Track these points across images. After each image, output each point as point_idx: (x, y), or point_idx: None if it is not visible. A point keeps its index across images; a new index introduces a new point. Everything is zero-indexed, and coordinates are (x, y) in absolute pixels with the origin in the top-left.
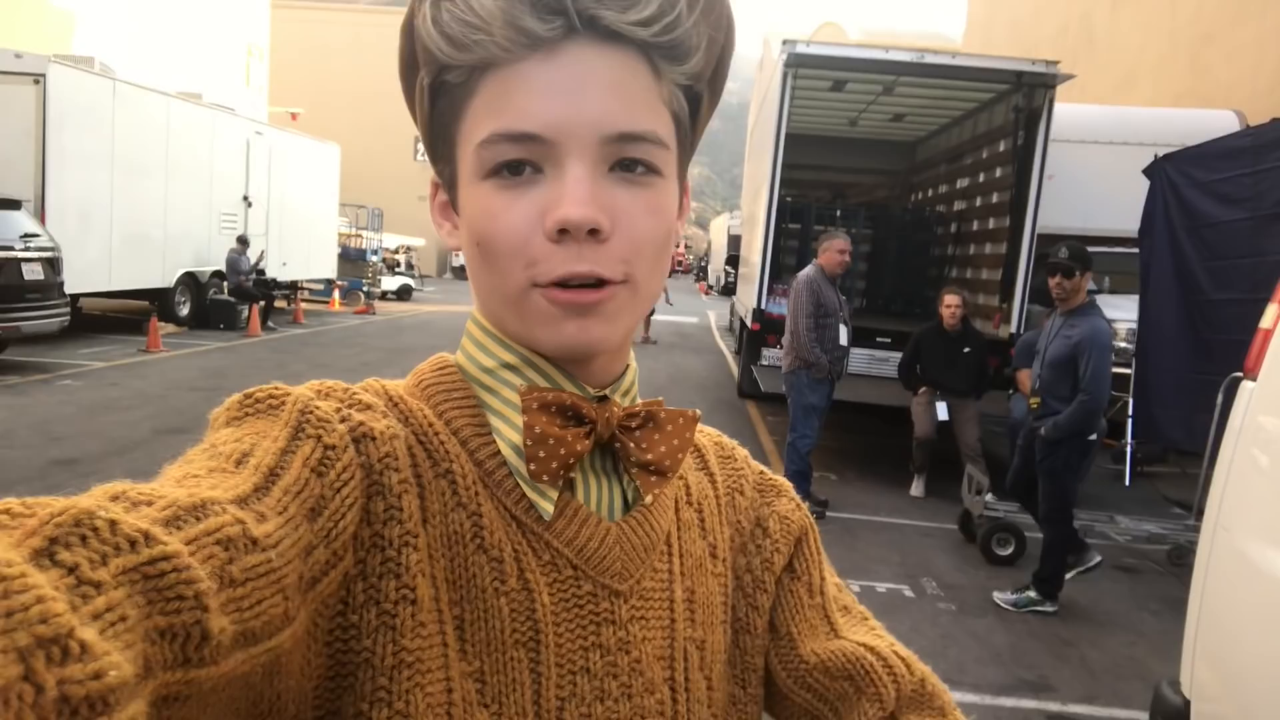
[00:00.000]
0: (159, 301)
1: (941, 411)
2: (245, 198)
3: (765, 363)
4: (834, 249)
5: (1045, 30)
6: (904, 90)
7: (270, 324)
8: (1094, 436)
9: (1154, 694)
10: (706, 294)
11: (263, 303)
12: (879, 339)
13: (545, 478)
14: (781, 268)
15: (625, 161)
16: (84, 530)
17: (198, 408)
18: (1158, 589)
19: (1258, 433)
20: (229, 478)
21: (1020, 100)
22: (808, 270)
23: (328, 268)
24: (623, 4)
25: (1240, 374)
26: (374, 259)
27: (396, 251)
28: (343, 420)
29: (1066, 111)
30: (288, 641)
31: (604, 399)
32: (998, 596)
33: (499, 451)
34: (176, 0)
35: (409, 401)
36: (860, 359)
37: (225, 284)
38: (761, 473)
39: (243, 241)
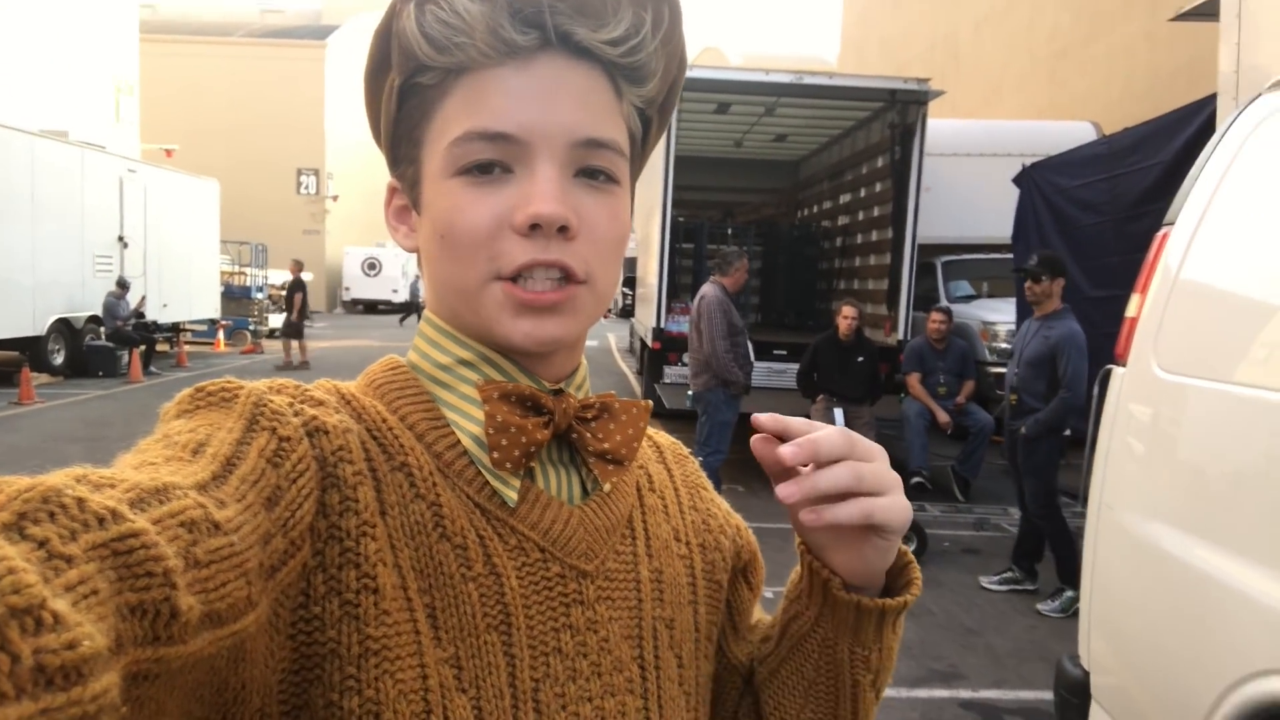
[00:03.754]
0: (30, 351)
1: (838, 418)
2: (120, 238)
3: (668, 380)
4: (743, 268)
5: (914, 49)
6: (785, 111)
7: (153, 369)
8: (1068, 432)
9: (1056, 669)
10: (605, 317)
11: (143, 347)
12: (775, 351)
13: (509, 465)
14: (679, 287)
15: (589, 169)
16: (52, 507)
17: (79, 460)
18: (1055, 574)
19: (1129, 420)
20: (186, 465)
21: (895, 117)
22: (713, 290)
23: (211, 307)
24: (595, 23)
25: (1111, 367)
26: (259, 296)
27: (282, 287)
28: (296, 414)
29: (938, 126)
30: (251, 626)
31: (559, 392)
32: (1042, 608)
33: (458, 443)
34: (38, 35)
35: (361, 399)
36: (759, 371)
37: (102, 329)
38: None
39: (122, 285)
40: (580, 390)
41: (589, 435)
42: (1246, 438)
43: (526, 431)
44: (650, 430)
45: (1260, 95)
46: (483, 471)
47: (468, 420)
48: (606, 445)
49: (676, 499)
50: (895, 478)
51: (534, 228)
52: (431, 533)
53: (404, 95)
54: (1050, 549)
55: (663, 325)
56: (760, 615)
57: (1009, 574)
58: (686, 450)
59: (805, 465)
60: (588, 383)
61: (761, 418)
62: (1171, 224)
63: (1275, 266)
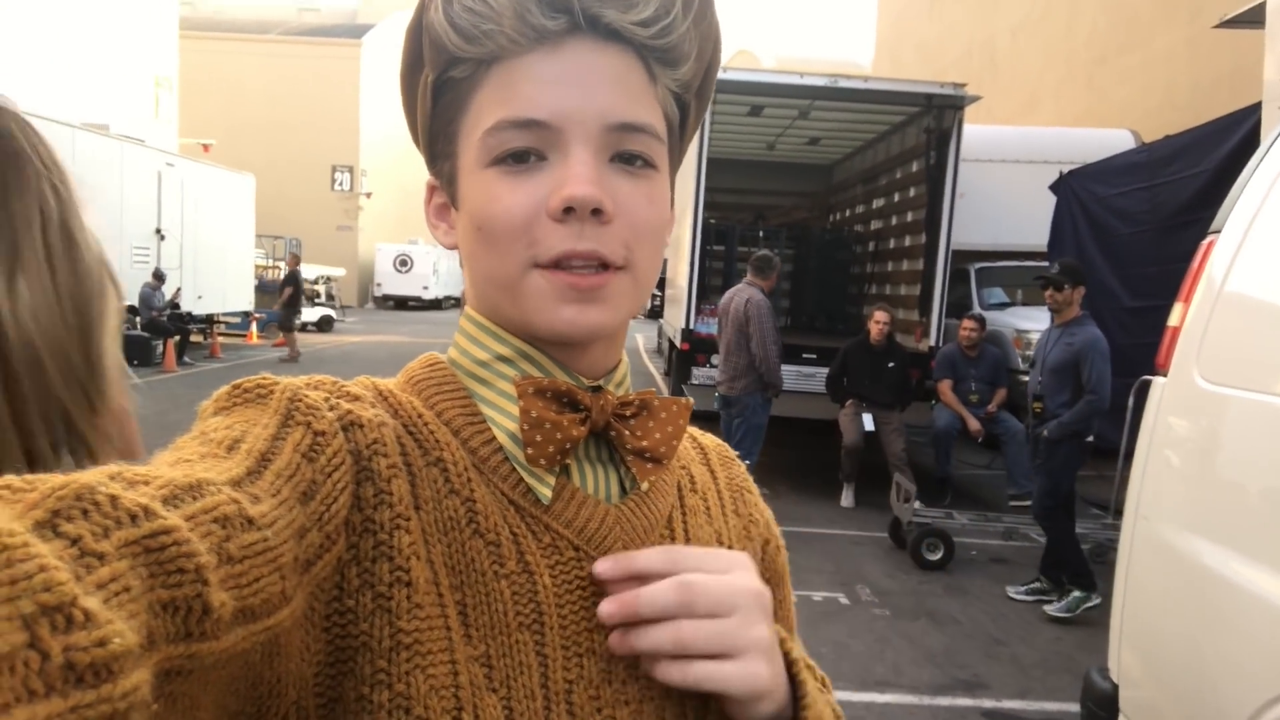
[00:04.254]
0: None
1: (867, 423)
2: (158, 230)
3: (695, 382)
4: (778, 271)
5: (950, 55)
6: (819, 114)
7: (186, 359)
8: (1090, 438)
9: (1084, 681)
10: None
11: (178, 337)
12: (805, 355)
13: (543, 461)
14: (708, 289)
15: (625, 154)
16: (85, 504)
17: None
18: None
19: (1169, 430)
20: (221, 462)
21: (931, 122)
22: (758, 294)
23: (245, 300)
24: (624, 4)
25: (1149, 378)
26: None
27: (316, 282)
28: (331, 408)
29: (974, 132)
30: (286, 621)
31: (598, 389)
32: (1050, 609)
33: (493, 439)
34: (80, 31)
35: (398, 395)
36: (789, 374)
37: (138, 319)
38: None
39: (158, 277)
40: (620, 387)
41: (627, 433)
42: None
43: (562, 428)
44: (694, 431)
45: None
46: (517, 468)
47: (504, 416)
48: (645, 443)
49: (720, 502)
50: (753, 638)
51: (568, 211)
52: (465, 528)
53: (438, 91)
54: (1058, 548)
55: (692, 326)
56: None
57: (1036, 584)
58: (733, 453)
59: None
60: (629, 380)
61: (602, 567)
62: (1217, 232)
63: None
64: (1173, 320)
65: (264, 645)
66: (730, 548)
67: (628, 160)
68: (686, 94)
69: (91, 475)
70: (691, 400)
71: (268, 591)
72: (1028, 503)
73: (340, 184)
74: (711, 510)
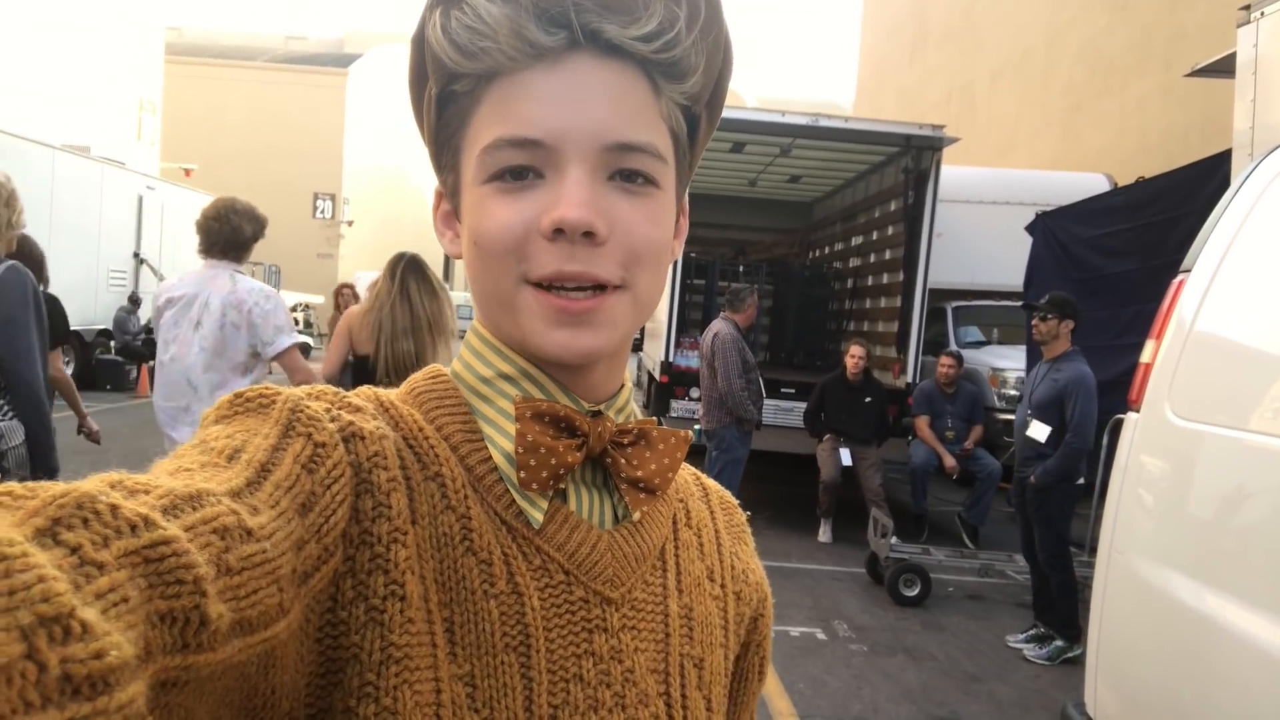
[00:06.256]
0: None
1: (845, 458)
2: (137, 254)
3: (674, 414)
4: (754, 304)
5: (930, 99)
6: (800, 152)
7: None
8: (1081, 480)
9: (1060, 717)
10: None
11: (152, 362)
12: (783, 390)
13: (535, 486)
14: (688, 322)
15: (625, 171)
16: (86, 513)
17: (84, 473)
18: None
19: (1141, 465)
20: (221, 472)
21: (909, 162)
22: (727, 328)
23: None
24: (625, 19)
25: (1122, 416)
26: None
27: (295, 309)
28: (332, 420)
29: (952, 173)
30: (283, 633)
31: (598, 414)
32: (1029, 653)
33: (490, 458)
34: (66, 53)
35: (399, 407)
36: (767, 409)
37: (113, 343)
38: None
39: (134, 301)
40: (621, 414)
41: (623, 461)
42: (1260, 486)
43: (557, 454)
44: (700, 474)
45: (1276, 149)
46: (511, 489)
47: (502, 436)
48: (640, 473)
49: (715, 540)
50: None
51: (558, 233)
52: (458, 546)
53: (442, 104)
54: (1055, 594)
55: (671, 359)
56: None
57: (1035, 630)
58: (735, 502)
59: None
60: (630, 406)
61: None
62: (1188, 271)
63: None
64: (1145, 357)
65: (260, 657)
66: (723, 586)
67: (628, 178)
68: (696, 106)
69: (92, 484)
70: (690, 433)
71: (265, 604)
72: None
73: (322, 212)
74: (705, 547)
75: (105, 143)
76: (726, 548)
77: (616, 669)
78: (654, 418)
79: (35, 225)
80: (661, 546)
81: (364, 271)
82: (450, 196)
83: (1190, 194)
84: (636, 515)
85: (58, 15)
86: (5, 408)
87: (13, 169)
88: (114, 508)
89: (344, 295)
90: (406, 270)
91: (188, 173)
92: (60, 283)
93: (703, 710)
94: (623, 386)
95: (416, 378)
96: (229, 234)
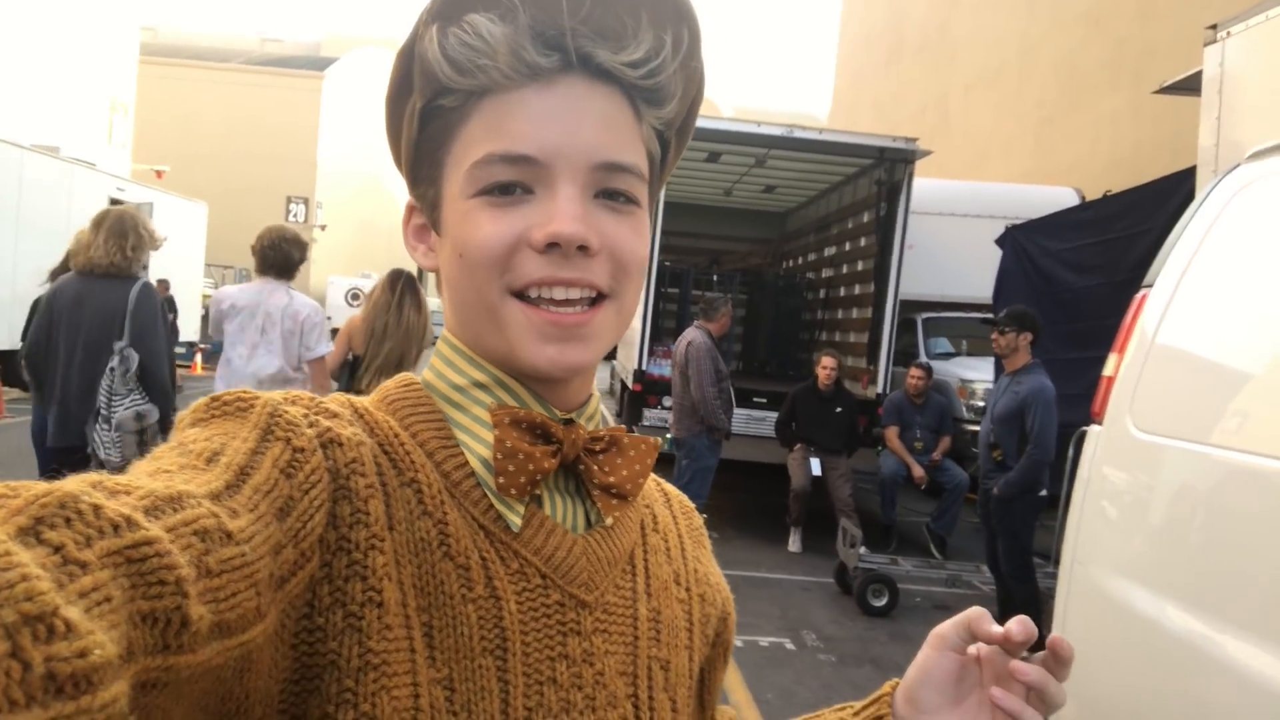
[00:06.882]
0: (3, 365)
1: (815, 467)
2: None
3: (646, 423)
4: (728, 314)
5: (905, 111)
6: (775, 163)
7: None
8: (1044, 492)
9: None
10: None
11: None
12: (755, 399)
13: (514, 491)
14: (662, 330)
15: (609, 191)
16: (69, 513)
17: (36, 480)
18: None
19: (1104, 477)
20: (200, 474)
21: (882, 174)
22: (700, 336)
23: (191, 330)
24: (616, 45)
25: (1086, 429)
26: None
27: None
28: (310, 425)
29: (925, 186)
30: (259, 637)
31: (570, 422)
32: None
33: (466, 464)
34: (35, 50)
35: (375, 414)
36: (739, 418)
37: None
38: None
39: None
40: (591, 422)
41: (596, 468)
42: (1220, 499)
43: (534, 459)
44: (658, 478)
45: (1238, 165)
46: (488, 494)
47: (477, 442)
48: (612, 479)
49: (680, 544)
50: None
51: (552, 246)
52: (436, 551)
53: (426, 118)
54: (1019, 606)
55: (644, 368)
56: (723, 710)
57: None
58: (692, 504)
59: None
60: (599, 414)
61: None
62: (1150, 286)
63: (1250, 331)
64: (1107, 370)
65: (237, 661)
66: (688, 590)
67: (611, 197)
68: (669, 131)
69: (74, 484)
70: (660, 440)
71: (244, 607)
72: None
73: (295, 215)
74: (671, 551)
75: (76, 143)
76: (689, 552)
77: (588, 671)
78: (622, 425)
79: (2, 226)
80: (631, 551)
81: (337, 276)
82: (429, 210)
83: (1155, 210)
84: (609, 520)
85: (29, 13)
86: (143, 394)
87: None
88: (96, 508)
89: None
90: (405, 287)
91: (159, 174)
92: (28, 285)
93: (669, 711)
94: (591, 396)
95: (388, 385)
96: (281, 259)
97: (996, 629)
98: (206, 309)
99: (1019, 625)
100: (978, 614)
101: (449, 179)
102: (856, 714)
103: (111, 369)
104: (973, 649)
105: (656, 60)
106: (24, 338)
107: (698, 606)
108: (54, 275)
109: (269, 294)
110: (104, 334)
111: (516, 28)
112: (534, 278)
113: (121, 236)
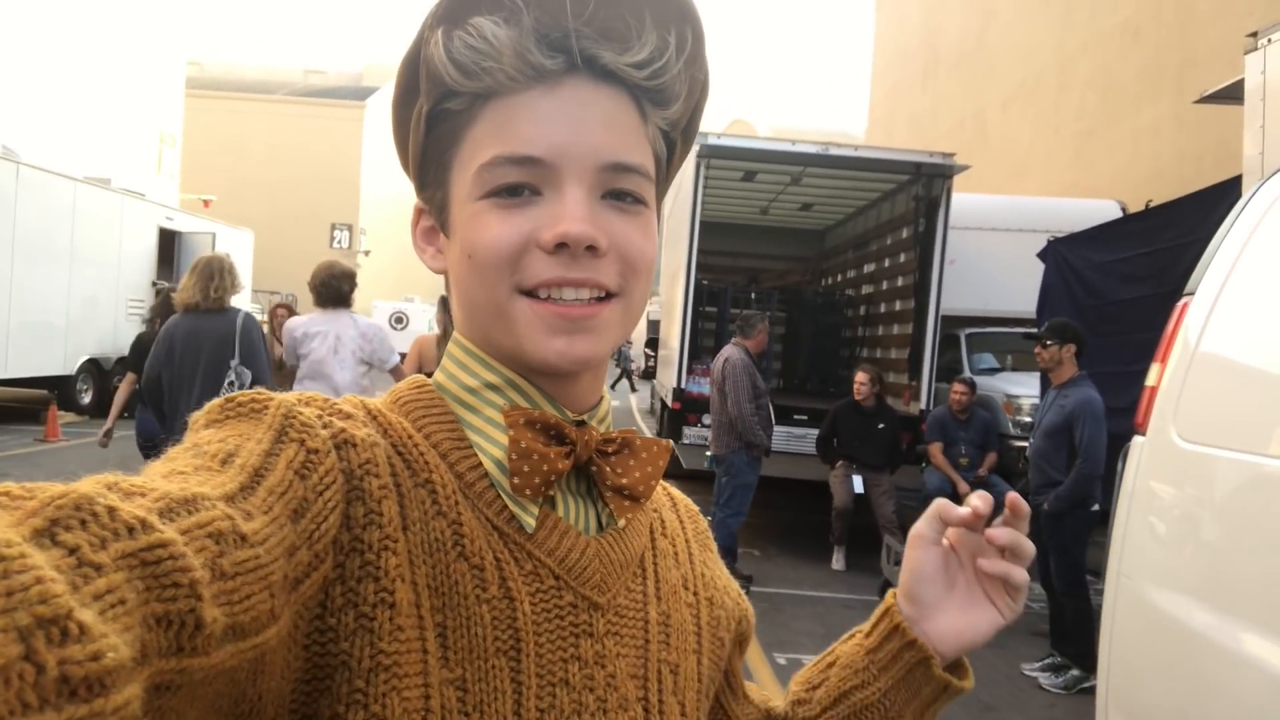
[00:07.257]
0: (59, 390)
1: (857, 484)
2: (154, 284)
3: (686, 441)
4: (764, 330)
5: (942, 126)
6: (811, 180)
7: None
8: (1096, 506)
9: None
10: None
11: None
12: (796, 416)
13: (528, 492)
14: (700, 349)
15: (616, 191)
16: (84, 514)
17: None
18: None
19: (1148, 488)
20: (215, 476)
21: (920, 190)
22: (737, 353)
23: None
24: (620, 47)
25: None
26: None
27: None
28: (325, 426)
29: (964, 200)
30: (273, 639)
31: (582, 424)
32: (1045, 682)
33: (479, 465)
34: (86, 85)
35: (388, 415)
36: (779, 436)
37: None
38: None
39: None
40: (603, 424)
41: (608, 469)
42: (1267, 508)
43: (549, 460)
44: (664, 482)
45: (1278, 171)
46: (502, 495)
47: (490, 444)
48: (625, 481)
49: (687, 548)
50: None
51: (560, 247)
52: (450, 551)
53: (432, 121)
54: (1071, 624)
55: (683, 386)
56: (749, 685)
57: (1051, 659)
58: (697, 508)
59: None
60: (610, 416)
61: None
62: (1191, 294)
63: None
64: (1150, 380)
65: (251, 663)
66: (695, 593)
67: (618, 197)
68: (674, 132)
69: (89, 485)
70: (670, 442)
71: (258, 609)
72: None
73: (339, 242)
74: (679, 555)
75: (126, 175)
76: (696, 556)
77: (600, 674)
78: (632, 428)
79: (56, 256)
80: (641, 554)
81: (381, 300)
82: (437, 212)
83: (1202, 220)
84: (622, 522)
85: (80, 50)
86: None
87: (35, 200)
88: (112, 510)
89: (279, 315)
90: None
91: (206, 204)
92: (80, 312)
93: (678, 715)
94: (602, 398)
95: (400, 388)
96: (335, 293)
97: (963, 510)
98: None
99: (979, 498)
100: (943, 504)
101: (456, 181)
102: (868, 634)
103: (230, 383)
104: (944, 540)
105: (661, 61)
106: (129, 367)
107: (705, 610)
108: (153, 312)
109: (334, 320)
110: (219, 356)
111: (521, 30)
112: (543, 278)
113: (209, 279)
